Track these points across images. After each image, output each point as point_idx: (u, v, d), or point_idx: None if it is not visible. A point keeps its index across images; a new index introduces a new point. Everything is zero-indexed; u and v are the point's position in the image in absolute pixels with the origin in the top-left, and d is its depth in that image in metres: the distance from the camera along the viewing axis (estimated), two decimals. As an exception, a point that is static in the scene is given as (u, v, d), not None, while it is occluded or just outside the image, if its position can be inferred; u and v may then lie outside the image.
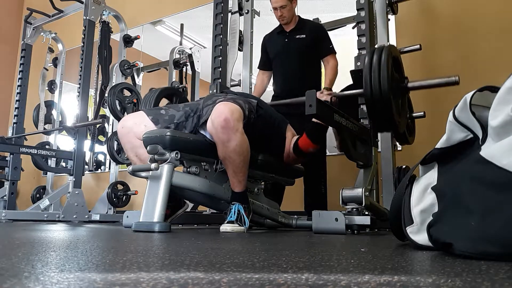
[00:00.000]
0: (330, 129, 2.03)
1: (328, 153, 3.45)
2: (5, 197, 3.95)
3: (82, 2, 3.87)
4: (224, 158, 1.85)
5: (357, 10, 2.23)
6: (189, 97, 4.17)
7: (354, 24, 2.70)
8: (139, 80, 4.62)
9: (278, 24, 2.84)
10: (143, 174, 1.85)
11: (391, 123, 1.86)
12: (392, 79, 1.83)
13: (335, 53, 2.73)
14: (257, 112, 2.04)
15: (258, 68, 2.96)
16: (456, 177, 0.85)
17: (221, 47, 3.01)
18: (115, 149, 4.00)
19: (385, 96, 1.77)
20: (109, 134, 4.33)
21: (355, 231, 1.77)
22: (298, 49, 2.73)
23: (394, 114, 1.83)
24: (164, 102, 2.75)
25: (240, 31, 3.21)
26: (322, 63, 2.80)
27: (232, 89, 3.20)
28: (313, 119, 1.97)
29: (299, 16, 2.84)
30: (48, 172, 4.69)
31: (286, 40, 2.78)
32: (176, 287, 0.43)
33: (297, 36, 2.75)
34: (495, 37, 2.86)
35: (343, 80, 2.28)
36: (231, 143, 1.78)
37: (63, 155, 4.03)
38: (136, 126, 1.95)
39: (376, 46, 2.34)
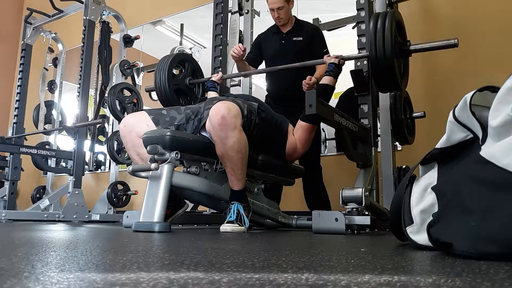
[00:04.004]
0: (330, 129, 2.04)
1: (328, 153, 3.46)
2: (5, 197, 3.96)
3: (82, 2, 3.87)
4: (222, 156, 1.85)
5: (357, 10, 2.23)
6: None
7: (354, 24, 2.70)
8: (139, 80, 4.62)
9: (274, 24, 2.79)
10: (143, 174, 1.85)
11: (394, 83, 1.96)
12: (395, 41, 1.92)
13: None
14: (259, 115, 2.04)
15: (245, 60, 2.86)
16: (456, 177, 0.85)
17: (221, 47, 3.01)
18: (115, 149, 4.00)
19: (389, 57, 1.87)
20: (109, 134, 4.33)
21: (355, 231, 1.77)
22: (294, 51, 2.69)
23: (397, 74, 1.92)
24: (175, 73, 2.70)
25: (240, 31, 3.21)
26: None
27: (232, 89, 3.21)
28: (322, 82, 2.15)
29: (295, 16, 2.80)
30: (48, 172, 4.69)
31: (283, 41, 2.74)
32: (176, 287, 0.43)
33: (294, 38, 2.71)
34: (495, 37, 2.86)
35: (344, 81, 2.28)
36: (229, 140, 1.79)
37: (63, 155, 4.03)
38: (137, 125, 1.95)
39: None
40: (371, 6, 2.29)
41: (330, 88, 2.14)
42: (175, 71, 2.66)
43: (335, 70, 2.15)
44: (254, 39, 3.15)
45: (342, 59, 2.17)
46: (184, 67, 2.69)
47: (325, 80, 2.15)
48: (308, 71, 2.49)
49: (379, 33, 1.88)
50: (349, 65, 2.26)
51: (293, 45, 2.71)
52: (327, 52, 2.68)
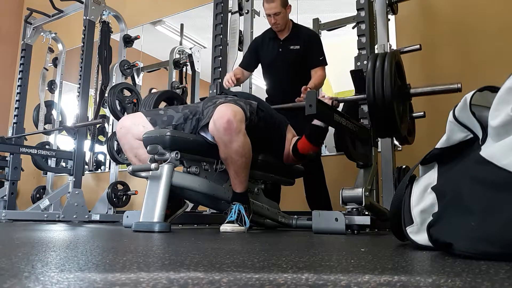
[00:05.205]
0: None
1: (327, 153, 3.46)
2: (5, 197, 3.95)
3: (82, 2, 3.87)
4: (226, 159, 1.85)
5: (357, 10, 2.23)
6: (189, 98, 4.17)
7: (354, 24, 2.70)
8: (139, 80, 4.61)
9: (270, 27, 2.74)
10: (143, 174, 1.85)
11: (394, 129, 1.87)
12: (395, 86, 1.82)
13: (326, 65, 2.66)
14: (258, 114, 2.04)
15: (239, 65, 2.83)
16: (456, 177, 0.85)
17: (221, 47, 3.00)
18: (115, 149, 4.00)
19: (388, 103, 1.76)
20: (109, 134, 4.33)
21: (355, 231, 1.77)
22: (292, 60, 2.67)
23: (397, 119, 1.83)
24: (163, 106, 2.74)
25: (240, 31, 3.21)
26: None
27: (231, 89, 3.21)
28: (313, 122, 1.98)
29: (292, 21, 2.75)
30: (48, 172, 4.69)
31: (280, 49, 2.70)
32: (176, 287, 0.43)
33: (291, 47, 2.67)
34: (495, 37, 2.86)
35: (344, 81, 2.28)
36: (234, 144, 1.79)
37: (63, 155, 4.03)
38: (134, 127, 1.95)
39: (376, 46, 2.34)
40: (371, 6, 2.28)
41: (322, 130, 1.99)
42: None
43: None
44: (253, 39, 3.15)
45: (336, 101, 2.07)
46: (172, 105, 2.69)
47: (317, 121, 2.00)
48: (305, 81, 2.48)
49: (378, 75, 1.77)
50: (349, 65, 2.25)
51: (290, 54, 2.67)
52: (324, 60, 2.66)
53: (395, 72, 1.84)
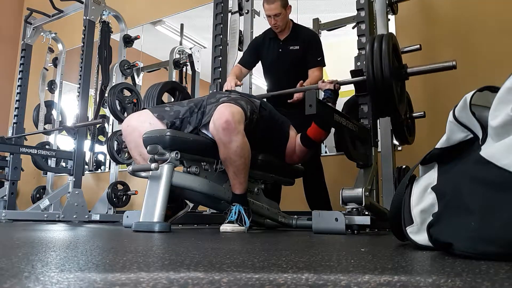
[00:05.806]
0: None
1: (327, 153, 3.46)
2: (5, 197, 3.95)
3: (82, 2, 3.87)
4: (225, 160, 1.86)
5: (357, 10, 2.23)
6: (189, 97, 4.17)
7: (354, 24, 2.70)
8: (139, 80, 4.61)
9: (270, 27, 2.75)
10: (143, 174, 1.85)
11: (393, 108, 1.92)
12: (393, 64, 1.87)
13: (323, 65, 2.67)
14: (260, 112, 2.05)
15: (238, 62, 2.82)
16: (456, 177, 0.85)
17: (221, 47, 3.01)
18: (115, 149, 4.00)
19: (387, 82, 1.82)
20: (109, 134, 4.33)
21: (355, 231, 1.77)
22: (291, 60, 2.68)
23: (396, 97, 1.88)
24: (165, 101, 2.74)
25: (240, 31, 3.21)
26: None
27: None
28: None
29: (292, 21, 2.76)
30: (48, 172, 4.69)
31: (280, 50, 2.71)
32: (176, 287, 0.43)
33: (291, 47, 2.68)
34: (495, 37, 2.86)
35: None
36: (232, 145, 1.79)
37: (63, 155, 4.03)
38: (141, 124, 1.96)
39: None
40: (371, 6, 2.29)
41: None
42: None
43: (332, 96, 2.06)
44: (253, 38, 3.14)
45: (337, 84, 2.08)
46: (174, 96, 2.69)
47: None
48: (303, 78, 2.49)
49: (376, 56, 1.83)
50: (349, 65, 2.25)
51: (290, 54, 2.69)
52: (322, 61, 2.67)
53: (392, 52, 1.90)
